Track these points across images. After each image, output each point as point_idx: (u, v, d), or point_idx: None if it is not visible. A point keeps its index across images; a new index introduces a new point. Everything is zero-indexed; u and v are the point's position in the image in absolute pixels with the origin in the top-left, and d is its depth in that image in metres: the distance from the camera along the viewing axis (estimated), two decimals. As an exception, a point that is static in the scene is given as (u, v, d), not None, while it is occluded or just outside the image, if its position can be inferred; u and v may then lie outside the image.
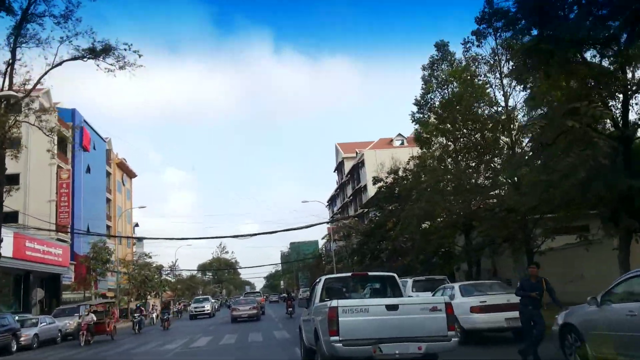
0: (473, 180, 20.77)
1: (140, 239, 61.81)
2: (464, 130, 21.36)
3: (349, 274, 12.00)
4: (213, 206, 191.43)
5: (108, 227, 60.65)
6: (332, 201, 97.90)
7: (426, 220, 23.55)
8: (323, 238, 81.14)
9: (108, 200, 61.78)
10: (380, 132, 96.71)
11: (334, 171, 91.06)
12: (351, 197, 76.86)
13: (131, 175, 71.42)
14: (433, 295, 14.15)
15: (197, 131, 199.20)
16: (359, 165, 72.36)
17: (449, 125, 21.74)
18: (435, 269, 23.23)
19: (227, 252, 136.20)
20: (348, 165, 79.46)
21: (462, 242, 24.60)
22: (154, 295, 56.87)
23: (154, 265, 53.77)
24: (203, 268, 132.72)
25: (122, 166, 67.46)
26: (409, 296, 14.45)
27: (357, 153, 77.02)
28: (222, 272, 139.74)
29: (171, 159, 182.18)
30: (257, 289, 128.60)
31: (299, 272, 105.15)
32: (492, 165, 20.35)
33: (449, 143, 22.44)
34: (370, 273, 12.05)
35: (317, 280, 10.96)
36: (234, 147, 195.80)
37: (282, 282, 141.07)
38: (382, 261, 32.09)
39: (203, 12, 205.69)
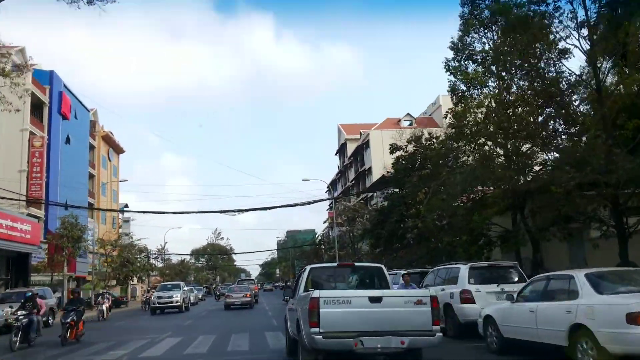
0: (544, 133, 15.81)
1: (122, 212, 56.91)
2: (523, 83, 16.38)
3: (335, 264, 11.58)
4: (211, 193, 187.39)
5: (90, 204, 55.89)
6: (332, 186, 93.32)
7: (471, 189, 18.73)
8: (325, 222, 76.72)
9: (91, 175, 56.97)
10: (385, 114, 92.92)
11: (336, 154, 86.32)
12: (353, 182, 72.31)
13: (119, 150, 66.51)
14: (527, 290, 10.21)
15: (198, 116, 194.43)
16: (363, 147, 67.65)
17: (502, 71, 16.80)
18: (477, 254, 18.32)
19: (222, 239, 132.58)
20: (351, 148, 74.72)
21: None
22: (138, 280, 52.38)
23: (137, 246, 48.91)
24: (196, 253, 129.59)
25: (109, 140, 62.55)
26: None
27: (361, 134, 72.26)
28: (216, 259, 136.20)
29: (171, 144, 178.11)
30: (253, 277, 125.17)
31: (295, 260, 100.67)
32: (573, 112, 15.12)
33: (502, 90, 17.45)
34: (357, 264, 11.55)
35: (303, 269, 10.79)
36: (235, 133, 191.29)
37: (277, 271, 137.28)
38: (409, 243, 27.10)
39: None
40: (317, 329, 7.56)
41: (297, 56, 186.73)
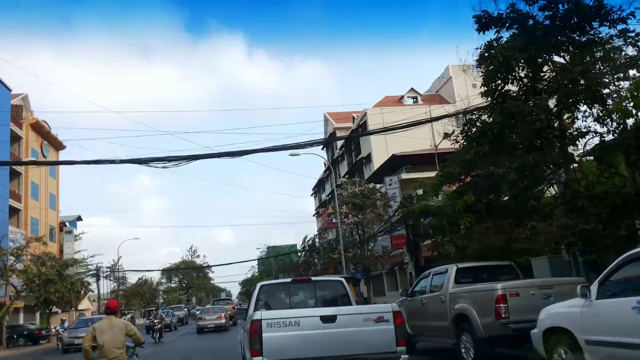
0: None
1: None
2: None
3: (289, 280, 9.91)
4: (187, 213, 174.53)
5: (15, 209, 43.03)
6: (318, 188, 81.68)
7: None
8: (318, 217, 64.63)
9: (17, 174, 44.14)
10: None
11: (323, 148, 74.48)
12: (347, 176, 60.80)
13: (57, 145, 53.54)
14: None
15: (171, 136, 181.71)
16: (359, 131, 55.96)
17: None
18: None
19: (198, 256, 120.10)
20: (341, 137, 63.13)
21: None
22: (71, 305, 39.86)
23: (66, 259, 36.27)
24: (168, 272, 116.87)
25: (41, 130, 49.68)
26: None
27: (354, 119, 60.83)
28: (191, 278, 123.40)
29: (142, 167, 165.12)
30: (233, 296, 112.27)
31: (279, 275, 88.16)
32: None
33: None
34: (313, 278, 10.65)
35: (254, 287, 9.46)
36: (209, 150, 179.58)
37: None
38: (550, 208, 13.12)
39: (175, 17, 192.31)
40: (259, 358, 6.42)
41: (270, 74, 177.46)
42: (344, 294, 8.85)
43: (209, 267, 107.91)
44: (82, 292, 48.65)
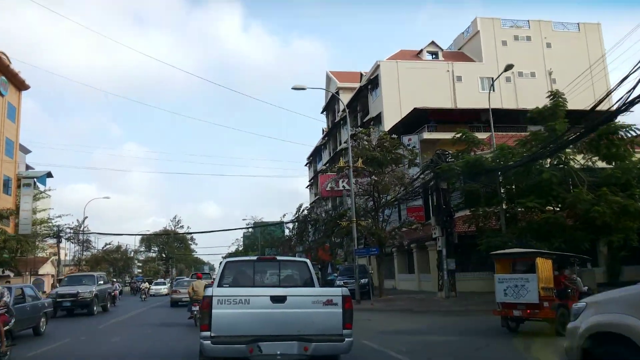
0: None
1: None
2: None
3: (255, 258, 9.50)
4: (176, 185, 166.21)
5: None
6: (313, 157, 74.37)
7: None
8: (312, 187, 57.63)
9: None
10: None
11: (322, 112, 67.20)
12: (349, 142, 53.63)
13: (19, 84, 45.43)
14: None
15: (163, 106, 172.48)
16: (368, 89, 48.73)
17: None
18: None
19: (182, 227, 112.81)
20: (345, 99, 55.83)
21: None
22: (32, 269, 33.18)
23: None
24: (147, 241, 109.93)
25: (-4, 61, 41.57)
26: None
27: (362, 75, 53.47)
28: (171, 247, 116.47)
29: (133, 133, 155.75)
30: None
31: (265, 249, 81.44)
32: None
33: None
34: (278, 257, 9.63)
35: (220, 263, 9.78)
36: (200, 123, 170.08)
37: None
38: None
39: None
40: (207, 333, 6.53)
41: (265, 48, 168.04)
42: (307, 274, 8.52)
43: (188, 234, 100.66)
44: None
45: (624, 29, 60.43)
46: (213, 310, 6.56)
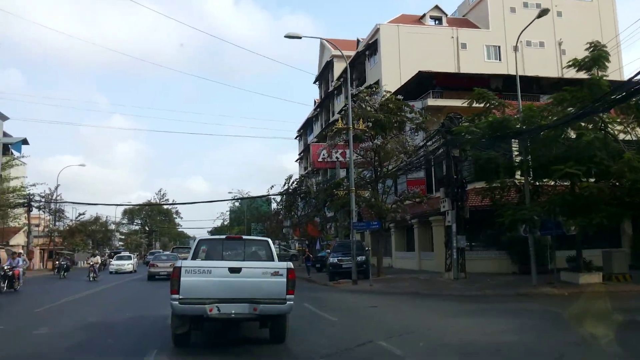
0: None
1: None
2: None
3: (224, 237, 11.33)
4: (163, 159, 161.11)
5: None
6: (304, 130, 70.91)
7: None
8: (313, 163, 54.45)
9: None
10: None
11: (315, 82, 63.70)
12: (342, 112, 50.34)
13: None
14: None
15: (149, 80, 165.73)
16: (366, 55, 45.39)
17: None
18: None
19: (166, 200, 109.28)
20: (340, 68, 52.34)
21: None
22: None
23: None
24: (130, 213, 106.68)
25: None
26: None
27: (359, 41, 50.08)
28: (154, 220, 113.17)
29: (118, 106, 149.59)
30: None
31: (252, 224, 78.49)
32: None
33: None
34: (244, 237, 11.37)
35: (194, 240, 11.95)
36: (188, 98, 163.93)
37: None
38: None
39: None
40: (176, 296, 7.89)
41: (256, 22, 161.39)
42: (269, 251, 9.64)
43: (169, 204, 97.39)
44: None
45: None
46: (181, 278, 7.92)
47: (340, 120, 23.30)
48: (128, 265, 37.33)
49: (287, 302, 8.13)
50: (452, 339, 8.89)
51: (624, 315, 11.05)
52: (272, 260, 9.23)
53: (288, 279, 8.14)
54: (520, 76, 31.98)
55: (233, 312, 7.94)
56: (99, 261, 33.34)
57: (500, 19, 43.84)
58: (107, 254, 55.08)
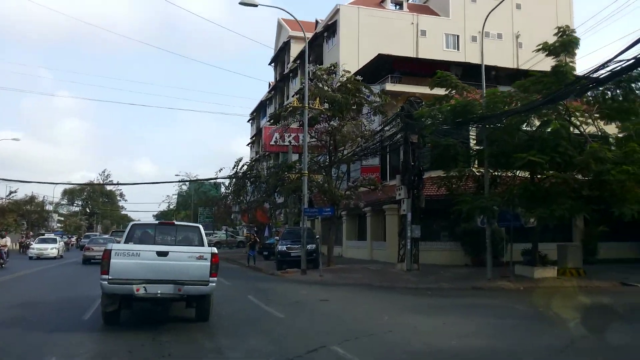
0: None
1: None
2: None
3: (157, 222, 12.96)
4: (110, 140, 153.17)
5: None
6: (257, 113, 68.81)
7: None
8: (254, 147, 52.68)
9: None
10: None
11: (270, 63, 61.79)
12: (297, 96, 48.76)
13: None
14: None
15: (99, 55, 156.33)
16: (324, 37, 43.98)
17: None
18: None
19: (111, 182, 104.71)
20: (297, 49, 50.73)
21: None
22: None
23: None
24: (71, 194, 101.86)
25: None
26: None
27: (317, 23, 48.62)
28: (96, 202, 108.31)
29: (64, 81, 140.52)
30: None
31: (199, 208, 75.99)
32: None
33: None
34: (176, 222, 12.09)
35: (127, 225, 11.70)
36: (141, 76, 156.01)
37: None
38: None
39: None
40: (106, 276, 8.39)
41: (211, 4, 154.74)
42: (199, 237, 10.01)
43: (111, 184, 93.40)
44: None
45: None
46: (111, 260, 8.49)
47: (295, 100, 21.83)
48: (52, 249, 32.72)
49: (210, 284, 8.73)
50: (418, 343, 7.75)
51: (592, 314, 10.38)
52: (202, 245, 9.65)
53: (212, 263, 8.73)
54: (481, 65, 31.62)
55: (159, 292, 8.50)
56: (8, 244, 27.98)
57: (460, 8, 43.43)
58: (30, 236, 49.61)
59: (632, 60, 9.81)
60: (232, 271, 23.33)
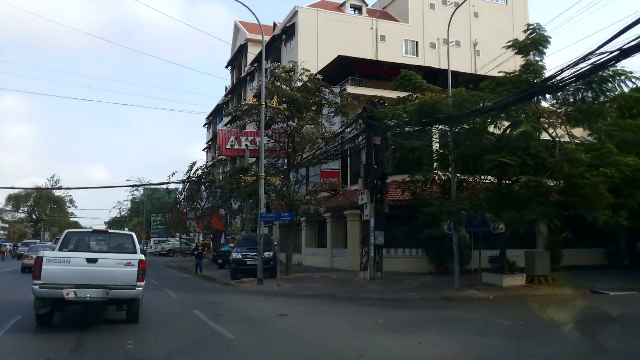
0: None
1: None
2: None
3: (91, 230, 13.11)
4: (61, 146, 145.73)
5: None
6: (213, 117, 66.84)
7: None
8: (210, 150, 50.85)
9: None
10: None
11: (227, 66, 60.12)
12: (255, 99, 47.08)
13: None
14: None
15: (50, 57, 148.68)
16: (282, 40, 42.82)
17: None
18: None
19: (60, 188, 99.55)
20: (255, 51, 49.29)
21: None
22: None
23: None
24: (16, 200, 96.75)
25: None
26: None
27: (275, 26, 47.37)
28: (42, 208, 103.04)
29: (9, 82, 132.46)
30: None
31: (152, 215, 73.04)
32: None
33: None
34: (110, 230, 13.15)
35: (62, 232, 11.69)
36: (93, 80, 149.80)
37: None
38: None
39: None
40: (38, 281, 8.90)
41: (168, 7, 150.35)
42: (131, 244, 10.31)
43: (58, 189, 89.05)
44: None
45: (549, 6, 59.94)
46: (43, 266, 8.94)
47: (252, 97, 20.51)
48: None
49: (137, 288, 9.30)
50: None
51: (582, 328, 9.52)
52: (135, 252, 9.97)
53: (139, 269, 9.33)
54: (442, 70, 31.22)
55: (88, 296, 9.03)
56: None
57: (419, 15, 43.17)
58: None
59: (616, 52, 9.05)
60: (183, 281, 21.64)
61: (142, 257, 9.63)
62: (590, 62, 9.83)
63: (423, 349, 7.82)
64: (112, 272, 9.18)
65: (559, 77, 10.86)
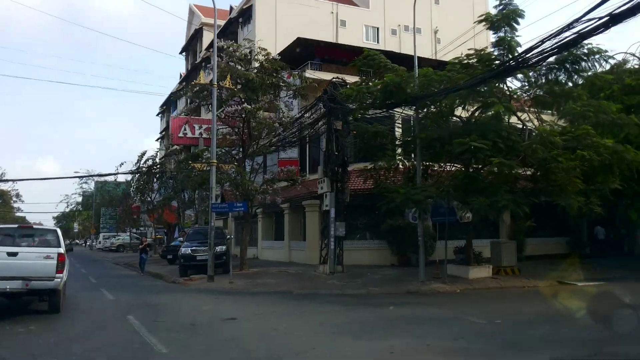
0: None
1: None
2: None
3: (16, 226, 12.75)
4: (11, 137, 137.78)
5: None
6: (167, 106, 64.14)
7: None
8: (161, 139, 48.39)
9: None
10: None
11: (182, 52, 57.58)
12: (207, 71, 44.87)
13: None
14: None
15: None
16: (239, 23, 41.08)
17: None
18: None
19: (6, 182, 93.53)
20: (209, 38, 47.14)
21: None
22: None
23: None
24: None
25: None
26: None
27: (231, 9, 45.38)
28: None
29: None
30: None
31: (102, 209, 69.76)
32: None
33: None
34: (35, 226, 13.23)
35: None
36: (41, 71, 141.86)
37: (76, 225, 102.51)
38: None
39: None
40: None
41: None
42: (55, 239, 10.76)
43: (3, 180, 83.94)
44: None
45: None
46: None
47: (202, 76, 18.86)
48: None
49: (55, 280, 9.82)
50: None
51: (565, 324, 8.59)
52: (59, 246, 10.47)
53: (58, 261, 9.87)
54: (405, 55, 30.24)
55: (8, 287, 9.50)
56: None
57: (380, 1, 42.24)
58: None
59: (606, 17, 8.07)
60: (125, 280, 19.84)
61: (62, 250, 10.18)
62: (575, 30, 8.82)
63: (395, 358, 6.60)
64: (32, 264, 9.66)
65: (539, 49, 9.83)
